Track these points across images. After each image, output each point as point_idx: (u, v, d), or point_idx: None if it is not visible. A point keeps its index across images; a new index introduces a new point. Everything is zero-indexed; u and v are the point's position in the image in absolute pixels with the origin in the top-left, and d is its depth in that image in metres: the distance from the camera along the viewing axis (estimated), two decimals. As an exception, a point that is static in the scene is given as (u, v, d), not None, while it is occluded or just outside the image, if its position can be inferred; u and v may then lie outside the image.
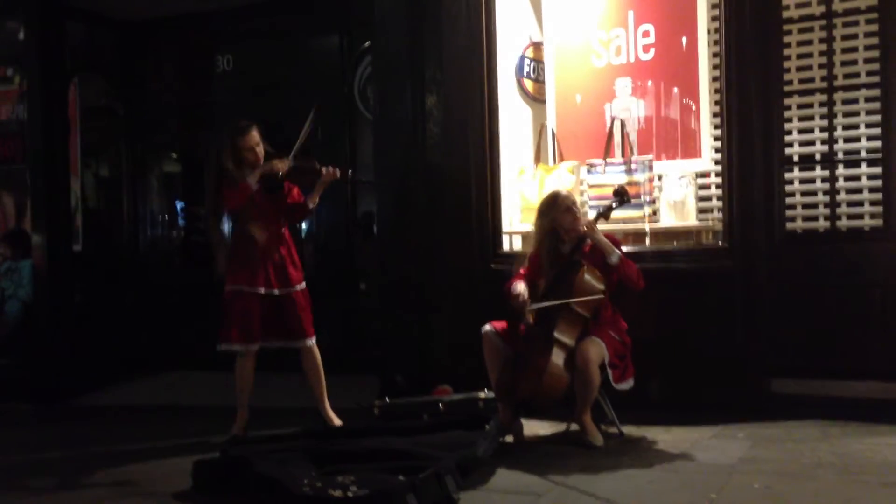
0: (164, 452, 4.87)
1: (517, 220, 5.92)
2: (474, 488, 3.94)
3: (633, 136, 5.61)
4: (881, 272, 5.00)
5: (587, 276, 4.57)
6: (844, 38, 5.37)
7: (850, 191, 5.40)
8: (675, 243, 5.51)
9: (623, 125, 5.60)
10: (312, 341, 5.14)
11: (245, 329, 5.00)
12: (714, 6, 5.50)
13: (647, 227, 5.43)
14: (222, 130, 5.26)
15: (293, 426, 4.92)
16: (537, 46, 6.14)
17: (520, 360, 4.61)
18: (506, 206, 5.91)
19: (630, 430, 4.79)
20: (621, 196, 4.81)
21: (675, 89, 5.50)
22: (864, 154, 5.35)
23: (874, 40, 5.20)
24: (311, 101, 5.21)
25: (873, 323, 5.00)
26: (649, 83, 5.57)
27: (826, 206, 5.35)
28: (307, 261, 6.84)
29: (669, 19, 5.52)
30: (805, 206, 5.49)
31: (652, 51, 5.56)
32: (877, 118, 5.17)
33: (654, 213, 5.56)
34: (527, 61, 6.19)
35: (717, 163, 5.54)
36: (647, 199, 5.43)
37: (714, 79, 5.49)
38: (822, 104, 5.40)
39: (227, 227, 5.89)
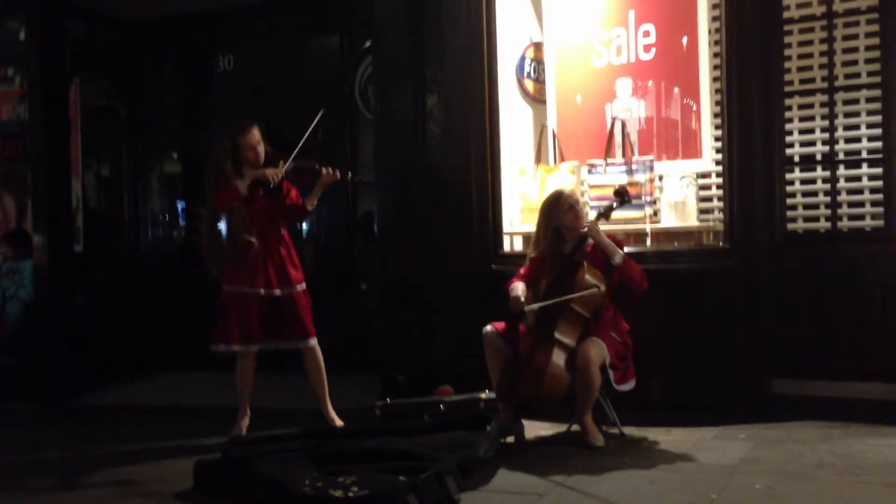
0: (164, 453, 4.87)
1: (518, 220, 5.92)
2: (475, 489, 3.94)
3: (633, 137, 5.60)
4: (882, 272, 4.99)
5: (588, 276, 4.57)
6: (845, 38, 5.36)
7: (850, 191, 5.39)
8: (675, 244, 5.50)
9: (624, 125, 5.59)
10: (314, 341, 5.14)
11: (244, 329, 5.00)
12: (715, 6, 5.49)
13: (648, 227, 5.43)
14: (223, 130, 5.26)
15: (294, 426, 4.92)
16: (538, 46, 6.13)
17: (521, 360, 4.60)
18: (506, 206, 5.91)
19: (631, 430, 4.79)
20: (622, 196, 4.81)
21: (676, 89, 5.49)
22: (864, 154, 5.35)
23: (875, 40, 5.19)
24: (312, 101, 5.23)
25: (874, 323, 5.00)
26: (650, 83, 5.56)
27: (827, 206, 5.35)
28: (307, 261, 6.84)
29: (670, 19, 5.51)
30: (806, 206, 5.48)
31: (652, 51, 5.56)
32: (878, 118, 5.17)
33: (655, 213, 5.56)
34: (527, 61, 6.19)
35: (717, 163, 5.53)
36: (648, 199, 5.42)
37: (715, 79, 5.49)
38: (822, 104, 5.40)
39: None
